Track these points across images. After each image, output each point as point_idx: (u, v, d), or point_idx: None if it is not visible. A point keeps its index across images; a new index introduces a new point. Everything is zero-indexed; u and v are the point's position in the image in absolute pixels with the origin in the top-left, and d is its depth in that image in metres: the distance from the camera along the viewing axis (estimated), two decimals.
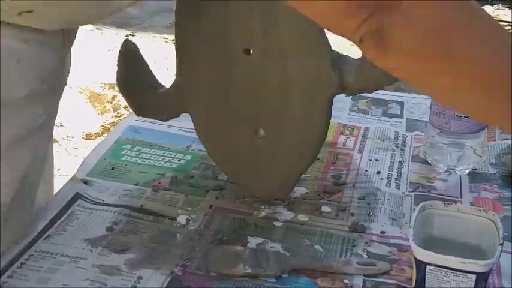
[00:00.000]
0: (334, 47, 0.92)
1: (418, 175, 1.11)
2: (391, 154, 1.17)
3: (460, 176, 1.10)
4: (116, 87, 1.06)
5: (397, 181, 1.09)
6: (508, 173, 1.10)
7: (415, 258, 0.80)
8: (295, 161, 0.99)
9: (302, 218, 0.99)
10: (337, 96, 0.95)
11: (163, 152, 1.16)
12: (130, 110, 1.08)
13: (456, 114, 1.06)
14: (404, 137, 1.24)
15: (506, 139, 1.21)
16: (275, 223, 0.97)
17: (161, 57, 3.49)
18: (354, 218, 0.99)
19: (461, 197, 1.05)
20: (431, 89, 0.67)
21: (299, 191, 1.05)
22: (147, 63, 1.04)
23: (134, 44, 1.02)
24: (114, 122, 3.08)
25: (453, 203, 0.89)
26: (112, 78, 1.05)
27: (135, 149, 1.17)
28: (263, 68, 0.94)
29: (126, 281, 0.84)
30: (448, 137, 1.09)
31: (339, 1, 0.60)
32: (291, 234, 0.95)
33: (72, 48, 0.91)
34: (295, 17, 0.91)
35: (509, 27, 4.63)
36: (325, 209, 1.01)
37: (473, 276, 0.77)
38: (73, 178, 1.07)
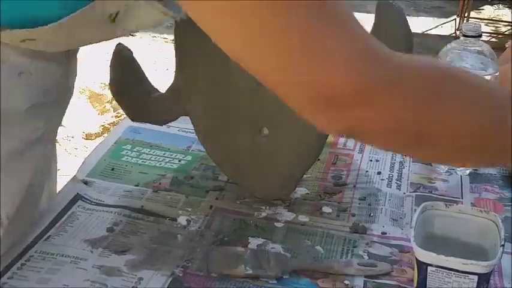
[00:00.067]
0: None
1: (419, 176, 1.11)
2: (392, 154, 1.17)
3: (461, 176, 1.10)
4: None
5: (398, 182, 1.09)
6: (509, 174, 1.10)
7: (416, 259, 0.79)
8: (296, 161, 0.99)
9: (303, 218, 0.98)
10: None
11: (164, 152, 1.16)
12: None
13: None
14: None
15: None
16: (276, 224, 0.97)
17: (161, 57, 3.49)
18: (355, 218, 0.99)
19: (462, 198, 1.05)
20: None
21: (300, 191, 1.05)
22: (140, 68, 1.03)
23: (127, 48, 1.01)
24: (114, 122, 3.08)
25: (454, 204, 0.89)
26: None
27: (135, 150, 1.17)
28: None
29: (126, 281, 0.84)
30: None
31: (303, 96, 0.60)
32: (291, 235, 0.95)
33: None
34: None
35: (509, 27, 4.64)
36: (326, 209, 1.01)
37: (475, 277, 0.77)
38: (73, 179, 1.07)
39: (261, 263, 0.87)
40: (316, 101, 0.59)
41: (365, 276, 0.86)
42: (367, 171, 1.12)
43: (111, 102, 3.26)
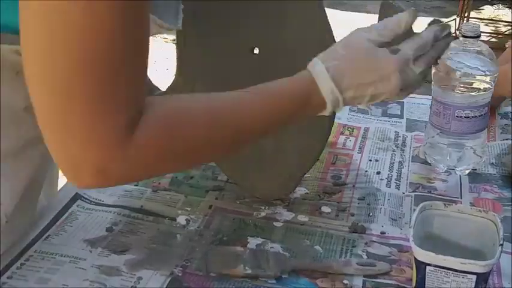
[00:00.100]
0: None
1: (418, 175, 1.11)
2: (391, 154, 1.17)
3: (460, 176, 1.10)
4: None
5: (397, 181, 1.09)
6: (508, 174, 1.10)
7: (415, 258, 0.79)
8: (297, 162, 0.99)
9: (302, 218, 0.99)
10: None
11: None
12: None
13: (456, 115, 1.06)
14: (404, 137, 1.23)
15: (506, 139, 1.21)
16: (275, 223, 0.97)
17: (161, 57, 3.49)
18: (354, 218, 0.99)
19: (461, 198, 1.05)
20: None
21: (299, 191, 1.05)
22: None
23: None
24: None
25: (453, 204, 0.89)
26: None
27: None
28: (269, 68, 0.93)
29: (125, 281, 0.84)
30: (448, 137, 1.09)
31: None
32: (291, 235, 0.95)
33: None
34: (305, 17, 0.91)
35: (509, 27, 4.64)
36: (325, 209, 1.01)
37: (474, 277, 0.77)
38: None
39: (260, 263, 0.87)
40: (64, 165, 0.66)
41: (364, 276, 0.86)
42: (366, 171, 1.12)
43: None
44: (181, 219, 0.97)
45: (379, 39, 0.79)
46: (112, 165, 0.65)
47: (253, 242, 0.92)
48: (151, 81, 1.05)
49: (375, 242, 0.93)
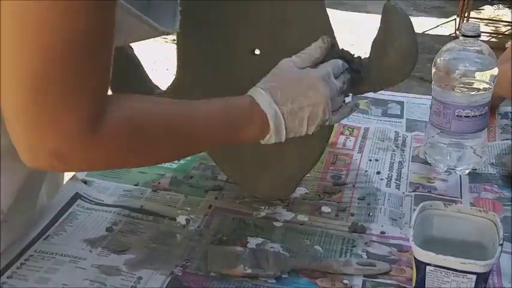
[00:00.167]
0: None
1: (418, 175, 1.11)
2: (391, 154, 1.17)
3: (460, 176, 1.10)
4: None
5: (397, 181, 1.09)
6: (508, 173, 1.10)
7: (415, 258, 0.79)
8: (297, 163, 0.99)
9: (302, 218, 0.99)
10: None
11: None
12: None
13: (456, 114, 1.06)
14: (404, 137, 1.23)
15: (507, 139, 1.21)
16: (275, 223, 0.97)
17: (161, 57, 3.49)
18: (354, 218, 0.99)
19: (461, 197, 1.05)
20: None
21: (299, 191, 1.05)
22: (141, 64, 1.04)
23: (129, 45, 1.01)
24: None
25: (453, 204, 0.89)
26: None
27: None
28: (269, 69, 0.93)
29: (125, 281, 0.84)
30: (448, 137, 1.09)
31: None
32: (290, 235, 0.95)
33: None
34: (306, 17, 0.91)
35: (509, 27, 4.64)
36: (325, 209, 1.01)
37: (473, 277, 0.77)
38: (73, 178, 1.07)
39: (260, 263, 0.87)
40: (21, 148, 0.70)
41: (364, 276, 0.86)
42: (366, 171, 1.12)
43: None
44: (181, 219, 0.97)
45: (301, 64, 0.87)
46: (71, 154, 0.69)
47: (253, 242, 0.92)
48: (151, 80, 1.05)
49: (375, 241, 0.93)
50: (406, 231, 0.94)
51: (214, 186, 1.06)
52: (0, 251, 0.86)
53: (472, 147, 1.09)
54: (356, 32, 4.29)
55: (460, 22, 4.30)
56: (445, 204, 0.87)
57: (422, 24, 4.55)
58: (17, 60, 0.65)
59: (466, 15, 4.32)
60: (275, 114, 0.83)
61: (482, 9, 5.03)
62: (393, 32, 0.90)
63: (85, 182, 1.05)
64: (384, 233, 0.95)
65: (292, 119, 0.84)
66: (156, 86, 1.04)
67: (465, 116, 1.06)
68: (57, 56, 0.65)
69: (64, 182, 1.08)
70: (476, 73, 1.05)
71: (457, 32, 4.06)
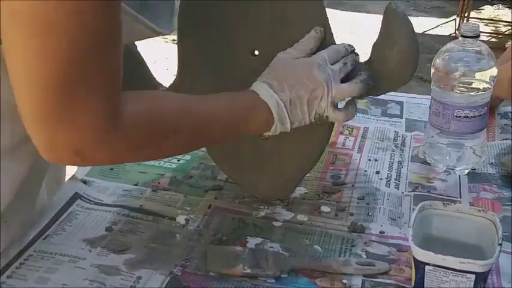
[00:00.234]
0: None
1: (418, 175, 1.11)
2: (391, 154, 1.17)
3: (460, 176, 1.10)
4: None
5: (397, 181, 1.09)
6: (508, 173, 1.10)
7: (414, 258, 0.80)
8: (297, 163, 0.99)
9: (301, 218, 0.99)
10: None
11: None
12: None
13: (455, 115, 1.06)
14: (403, 137, 1.24)
15: (506, 139, 1.21)
16: (274, 223, 0.97)
17: (161, 57, 3.49)
18: (353, 218, 0.99)
19: (460, 197, 1.05)
20: None
21: (298, 191, 1.05)
22: (144, 62, 1.04)
23: (132, 42, 1.02)
24: None
25: (452, 203, 0.89)
26: None
27: None
28: None
29: (125, 281, 0.84)
30: (447, 137, 1.09)
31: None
32: (290, 234, 0.95)
33: None
34: (305, 17, 0.91)
35: (509, 27, 4.64)
36: (325, 209, 1.01)
37: (473, 276, 0.77)
38: (72, 178, 1.07)
39: (260, 262, 0.88)
40: (42, 146, 0.72)
41: (363, 275, 0.87)
42: (365, 171, 1.12)
43: None
44: (181, 219, 0.97)
45: (297, 55, 0.90)
46: (91, 151, 0.72)
47: (252, 242, 0.92)
48: (155, 78, 1.05)
49: (374, 241, 0.93)
50: (405, 230, 0.94)
51: (213, 186, 1.06)
52: (0, 251, 0.86)
53: (471, 147, 1.09)
54: (356, 32, 4.29)
55: (460, 22, 4.30)
56: (444, 204, 0.87)
57: (422, 24, 4.55)
58: (30, 60, 0.66)
59: (466, 15, 4.32)
60: (276, 103, 0.86)
61: (482, 9, 5.03)
62: (394, 35, 0.90)
63: (84, 182, 1.06)
64: (383, 232, 0.95)
65: (293, 106, 0.87)
66: (160, 84, 1.04)
67: (464, 117, 1.06)
68: (69, 55, 0.66)
69: (65, 179, 1.08)
70: (476, 73, 1.05)
71: (457, 32, 4.06)
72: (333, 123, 0.95)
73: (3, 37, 0.66)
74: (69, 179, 1.07)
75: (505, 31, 4.61)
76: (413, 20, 0.92)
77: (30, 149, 0.75)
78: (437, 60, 1.08)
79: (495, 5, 5.16)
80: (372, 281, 0.86)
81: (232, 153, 1.01)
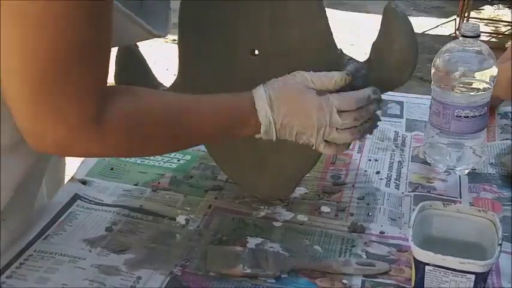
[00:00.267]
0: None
1: (418, 175, 1.11)
2: (391, 154, 1.17)
3: (460, 176, 1.10)
4: None
5: (397, 181, 1.09)
6: (508, 173, 1.10)
7: (414, 258, 0.80)
8: (297, 163, 0.99)
9: (301, 218, 0.99)
10: None
11: None
12: None
13: (456, 115, 1.06)
14: (403, 137, 1.24)
15: (506, 139, 1.21)
16: (274, 223, 0.97)
17: (161, 57, 3.49)
18: (353, 218, 0.99)
19: (460, 197, 1.05)
20: None
21: (298, 191, 1.05)
22: (145, 61, 1.04)
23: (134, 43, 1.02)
24: None
25: (452, 203, 0.89)
26: (112, 77, 1.05)
27: None
28: (269, 69, 0.93)
29: (125, 281, 0.84)
30: (447, 137, 1.09)
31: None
32: (290, 235, 0.95)
33: None
34: (305, 17, 0.91)
35: (509, 27, 4.64)
36: (325, 209, 1.01)
37: (472, 277, 0.77)
38: (73, 178, 1.07)
39: (260, 262, 0.88)
40: (29, 136, 0.74)
41: (363, 276, 0.86)
42: (365, 171, 1.12)
43: None
44: (181, 219, 0.97)
45: (310, 85, 0.86)
46: (74, 144, 0.74)
47: (252, 242, 0.92)
48: (156, 78, 1.05)
49: (374, 241, 0.93)
50: (405, 231, 0.94)
51: (214, 186, 1.06)
52: (0, 251, 0.86)
53: (471, 147, 1.09)
54: (356, 32, 4.29)
55: (460, 22, 4.30)
56: (444, 204, 0.87)
57: (422, 24, 4.54)
58: (19, 54, 0.68)
59: (466, 15, 4.31)
60: (268, 125, 0.85)
61: (482, 9, 5.03)
62: (393, 34, 0.90)
63: (84, 183, 1.05)
64: (383, 232, 0.95)
65: (282, 131, 0.86)
66: (161, 83, 1.04)
67: (464, 117, 1.06)
68: (55, 55, 0.68)
69: (65, 178, 1.08)
70: (476, 73, 1.05)
71: (457, 32, 4.07)
72: None
73: None
74: (69, 180, 1.07)
75: (505, 31, 4.61)
76: (413, 20, 0.92)
77: (29, 149, 0.75)
78: (438, 60, 1.08)
79: (495, 5, 5.16)
80: (372, 281, 0.86)
81: (232, 153, 1.01)
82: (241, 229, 0.96)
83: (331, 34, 0.92)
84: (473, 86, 1.05)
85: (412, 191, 1.06)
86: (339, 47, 0.93)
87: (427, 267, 0.78)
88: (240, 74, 0.96)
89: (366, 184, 1.08)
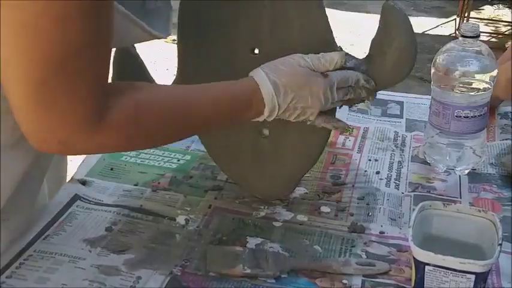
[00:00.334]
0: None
1: (418, 175, 1.11)
2: (391, 154, 1.17)
3: (460, 176, 1.10)
4: None
5: (397, 181, 1.09)
6: (508, 173, 1.10)
7: (414, 258, 0.80)
8: (297, 162, 0.99)
9: (301, 218, 0.99)
10: None
11: (163, 152, 1.16)
12: None
13: (455, 115, 1.06)
14: (403, 137, 1.23)
15: (506, 139, 1.21)
16: (274, 223, 0.97)
17: (161, 57, 3.49)
18: (353, 218, 0.99)
19: (460, 197, 1.05)
20: None
21: (298, 191, 1.05)
22: (143, 63, 1.04)
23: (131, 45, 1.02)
24: None
25: (452, 203, 0.89)
26: (110, 79, 1.05)
27: None
28: None
29: (125, 281, 0.84)
30: (447, 137, 1.09)
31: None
32: (290, 235, 0.95)
33: None
34: (305, 17, 0.91)
35: (509, 27, 4.64)
36: (325, 209, 1.01)
37: (472, 277, 0.77)
38: (72, 178, 1.07)
39: (260, 262, 0.88)
40: (31, 136, 0.74)
41: (363, 276, 0.86)
42: (365, 171, 1.12)
43: None
44: (181, 219, 0.97)
45: (312, 68, 0.89)
46: (77, 142, 0.74)
47: (252, 242, 0.92)
48: (153, 80, 1.05)
49: (374, 241, 0.93)
50: (405, 231, 0.94)
51: (213, 186, 1.06)
52: (0, 251, 0.86)
53: (471, 148, 1.09)
54: (356, 32, 4.28)
55: (460, 22, 4.30)
56: (444, 204, 0.87)
57: (422, 24, 4.54)
58: (19, 54, 0.68)
59: (466, 15, 4.31)
60: (273, 108, 0.87)
61: (482, 9, 5.03)
62: (392, 31, 0.90)
63: (84, 183, 1.05)
64: (383, 232, 0.95)
65: (284, 111, 0.88)
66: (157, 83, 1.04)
67: (464, 117, 1.06)
68: (53, 56, 0.68)
69: (67, 178, 1.08)
70: (476, 73, 1.05)
71: (457, 32, 4.07)
72: None
73: None
74: (69, 180, 1.07)
75: (505, 31, 4.61)
76: (413, 20, 0.92)
77: (30, 146, 0.76)
78: (437, 60, 1.08)
79: (495, 5, 5.16)
80: (372, 281, 0.86)
81: (232, 153, 1.01)
82: (241, 229, 0.96)
83: (332, 34, 0.92)
84: (473, 86, 1.05)
85: (412, 191, 1.06)
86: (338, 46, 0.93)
87: (427, 267, 0.78)
88: (240, 73, 0.95)
89: (365, 184, 1.08)
